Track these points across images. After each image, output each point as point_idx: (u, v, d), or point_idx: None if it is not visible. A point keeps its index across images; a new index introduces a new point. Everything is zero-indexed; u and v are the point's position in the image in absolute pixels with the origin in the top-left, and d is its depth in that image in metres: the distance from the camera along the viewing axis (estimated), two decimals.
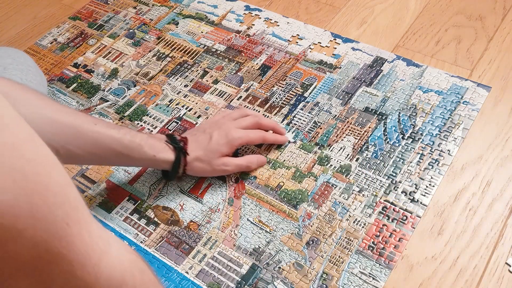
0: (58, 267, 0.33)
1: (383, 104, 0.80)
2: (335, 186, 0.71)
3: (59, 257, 0.32)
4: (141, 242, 0.68)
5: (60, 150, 0.60)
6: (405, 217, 0.66)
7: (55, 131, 0.59)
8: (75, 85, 0.92)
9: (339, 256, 0.64)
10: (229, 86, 0.87)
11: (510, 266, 0.61)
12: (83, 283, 0.35)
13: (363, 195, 0.69)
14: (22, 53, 0.86)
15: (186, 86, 0.88)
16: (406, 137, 0.75)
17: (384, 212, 0.67)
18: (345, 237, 0.66)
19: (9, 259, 0.30)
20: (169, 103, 0.86)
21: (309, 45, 0.91)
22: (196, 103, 0.85)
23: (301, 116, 0.80)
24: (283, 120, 0.80)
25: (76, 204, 0.34)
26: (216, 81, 0.88)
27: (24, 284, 0.31)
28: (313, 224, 0.67)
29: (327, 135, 0.77)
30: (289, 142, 0.77)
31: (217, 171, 0.71)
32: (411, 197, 0.68)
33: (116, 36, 1.00)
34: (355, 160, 0.74)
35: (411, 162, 0.72)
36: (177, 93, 0.87)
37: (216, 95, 0.86)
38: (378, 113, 0.79)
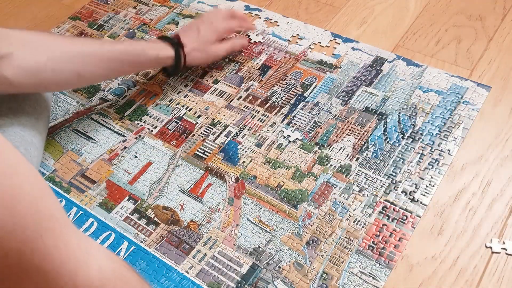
0: (33, 277, 0.33)
1: (383, 104, 0.80)
2: (335, 185, 0.71)
3: (33, 268, 0.32)
4: (141, 241, 0.68)
5: (84, 73, 0.72)
6: (405, 217, 0.66)
7: (76, 60, 0.70)
8: None
9: (339, 256, 0.64)
10: (229, 86, 0.87)
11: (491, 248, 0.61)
12: None
13: (363, 194, 0.69)
14: None
15: (186, 86, 0.88)
16: (406, 137, 0.75)
17: (384, 212, 0.67)
18: (345, 237, 0.66)
19: None
20: (169, 103, 0.86)
21: (309, 45, 0.91)
22: (196, 103, 0.85)
23: (301, 116, 0.80)
24: (283, 120, 0.80)
25: (51, 215, 0.34)
26: (216, 81, 0.88)
27: None
28: (313, 223, 0.67)
29: (327, 135, 0.77)
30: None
31: (210, 56, 0.85)
32: (411, 197, 0.68)
33: (116, 36, 1.00)
34: (355, 160, 0.74)
35: (411, 162, 0.72)
36: (177, 93, 0.87)
37: (216, 95, 0.86)
38: (378, 113, 0.79)
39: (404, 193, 0.69)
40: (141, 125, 0.83)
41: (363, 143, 0.75)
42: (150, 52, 0.77)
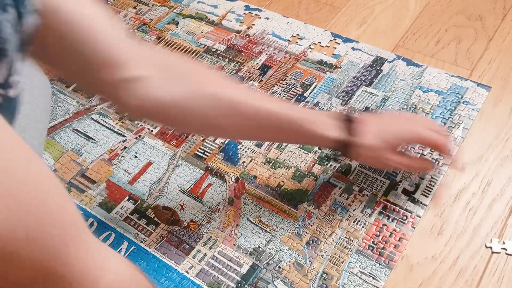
0: (57, 286, 0.33)
1: (383, 104, 0.80)
2: (335, 186, 0.71)
3: (56, 277, 0.32)
4: (141, 242, 0.68)
5: (219, 124, 0.59)
6: (405, 217, 0.66)
7: (216, 107, 0.58)
8: (75, 85, 0.91)
9: (339, 256, 0.64)
10: None
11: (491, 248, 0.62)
12: None
13: (363, 194, 0.69)
14: (38, 74, 0.86)
15: None
16: None
17: (384, 212, 0.67)
18: (345, 237, 0.66)
19: (6, 281, 0.30)
20: None
21: (309, 45, 0.91)
22: None
23: None
24: None
25: (74, 222, 0.34)
26: None
27: None
28: (313, 223, 0.67)
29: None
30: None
31: (380, 164, 0.67)
32: (411, 197, 0.68)
33: None
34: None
35: None
36: None
37: None
38: (378, 112, 0.79)
39: (404, 193, 0.69)
40: (141, 125, 0.83)
41: None
42: (307, 126, 0.60)
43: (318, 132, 0.60)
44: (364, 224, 0.67)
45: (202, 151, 0.78)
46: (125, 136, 0.82)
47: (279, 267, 0.64)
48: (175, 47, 0.95)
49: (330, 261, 0.64)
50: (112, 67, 0.53)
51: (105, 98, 0.60)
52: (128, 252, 0.67)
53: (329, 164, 0.74)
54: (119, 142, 0.81)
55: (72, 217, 0.34)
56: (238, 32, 0.96)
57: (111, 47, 0.53)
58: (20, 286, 0.31)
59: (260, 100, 0.60)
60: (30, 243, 0.29)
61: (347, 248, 0.65)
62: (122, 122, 0.84)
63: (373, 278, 0.62)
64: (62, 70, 0.57)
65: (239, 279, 0.63)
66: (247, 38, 0.95)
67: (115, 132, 0.82)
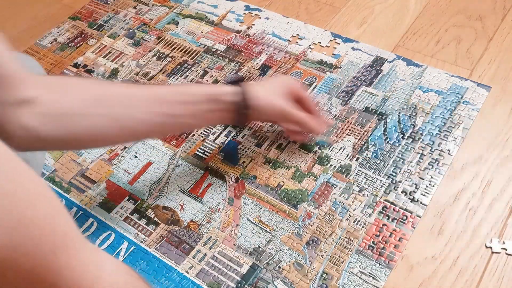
0: None
1: (383, 104, 0.80)
2: (335, 186, 0.71)
3: (48, 285, 0.33)
4: (141, 242, 0.68)
5: (123, 118, 0.58)
6: (405, 217, 0.66)
7: (113, 101, 0.57)
8: None
9: (339, 256, 0.64)
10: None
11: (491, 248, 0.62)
12: None
13: (363, 194, 0.69)
14: (30, 58, 0.86)
15: None
16: (406, 137, 0.75)
17: (384, 212, 0.67)
18: (345, 237, 0.66)
19: None
20: None
21: (309, 45, 0.91)
22: None
23: None
24: None
25: (64, 232, 0.34)
26: (216, 81, 0.88)
27: None
28: (313, 223, 0.67)
29: (327, 134, 0.77)
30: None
31: (282, 108, 0.67)
32: (411, 197, 0.68)
33: (116, 36, 1.00)
34: (355, 160, 0.74)
35: (411, 162, 0.72)
36: None
37: None
38: (378, 113, 0.79)
39: (404, 193, 0.69)
40: None
41: (363, 143, 0.75)
42: (205, 88, 0.65)
43: (215, 90, 0.64)
44: (364, 224, 0.67)
45: (202, 151, 0.78)
46: None
47: (279, 267, 0.64)
48: (175, 47, 0.95)
49: (330, 261, 0.64)
50: (4, 86, 0.49)
51: None
52: (128, 252, 0.67)
53: (329, 164, 0.74)
54: None
55: (63, 228, 0.34)
56: (238, 32, 0.96)
57: (3, 64, 0.49)
58: None
59: (159, 86, 0.62)
60: (19, 256, 0.30)
61: (347, 248, 0.65)
62: None
63: (373, 278, 0.62)
64: None
65: (239, 279, 0.63)
66: (247, 38, 0.95)
67: None
